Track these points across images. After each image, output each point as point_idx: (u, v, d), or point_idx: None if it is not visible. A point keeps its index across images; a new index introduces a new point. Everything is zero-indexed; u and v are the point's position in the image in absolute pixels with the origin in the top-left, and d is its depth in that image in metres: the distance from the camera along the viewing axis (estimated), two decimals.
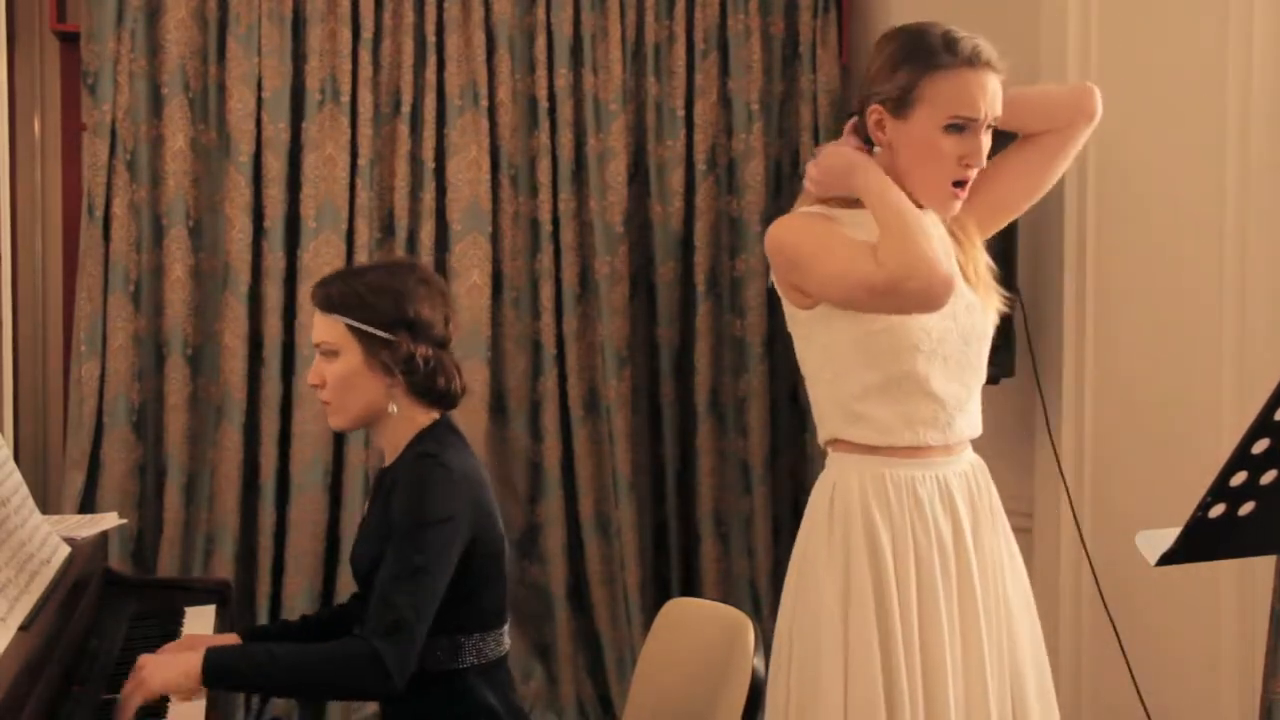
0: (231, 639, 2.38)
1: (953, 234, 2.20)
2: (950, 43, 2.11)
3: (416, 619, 2.12)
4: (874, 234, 2.08)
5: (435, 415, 2.36)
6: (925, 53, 2.11)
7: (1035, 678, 2.22)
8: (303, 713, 3.94)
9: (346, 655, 2.10)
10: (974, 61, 2.10)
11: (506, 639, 2.36)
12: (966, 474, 2.19)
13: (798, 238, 2.14)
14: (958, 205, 2.15)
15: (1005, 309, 2.25)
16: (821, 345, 2.16)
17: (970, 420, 2.20)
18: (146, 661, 2.13)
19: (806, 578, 2.16)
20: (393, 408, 2.31)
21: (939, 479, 2.15)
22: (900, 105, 2.12)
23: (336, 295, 2.31)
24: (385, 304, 2.29)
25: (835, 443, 2.18)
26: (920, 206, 2.13)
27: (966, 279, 2.19)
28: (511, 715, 2.32)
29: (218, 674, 2.10)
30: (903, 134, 2.12)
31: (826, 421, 2.20)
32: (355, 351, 2.29)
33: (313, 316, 2.36)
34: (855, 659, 2.08)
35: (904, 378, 2.11)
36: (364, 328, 2.28)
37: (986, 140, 2.13)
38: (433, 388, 2.32)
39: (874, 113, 2.15)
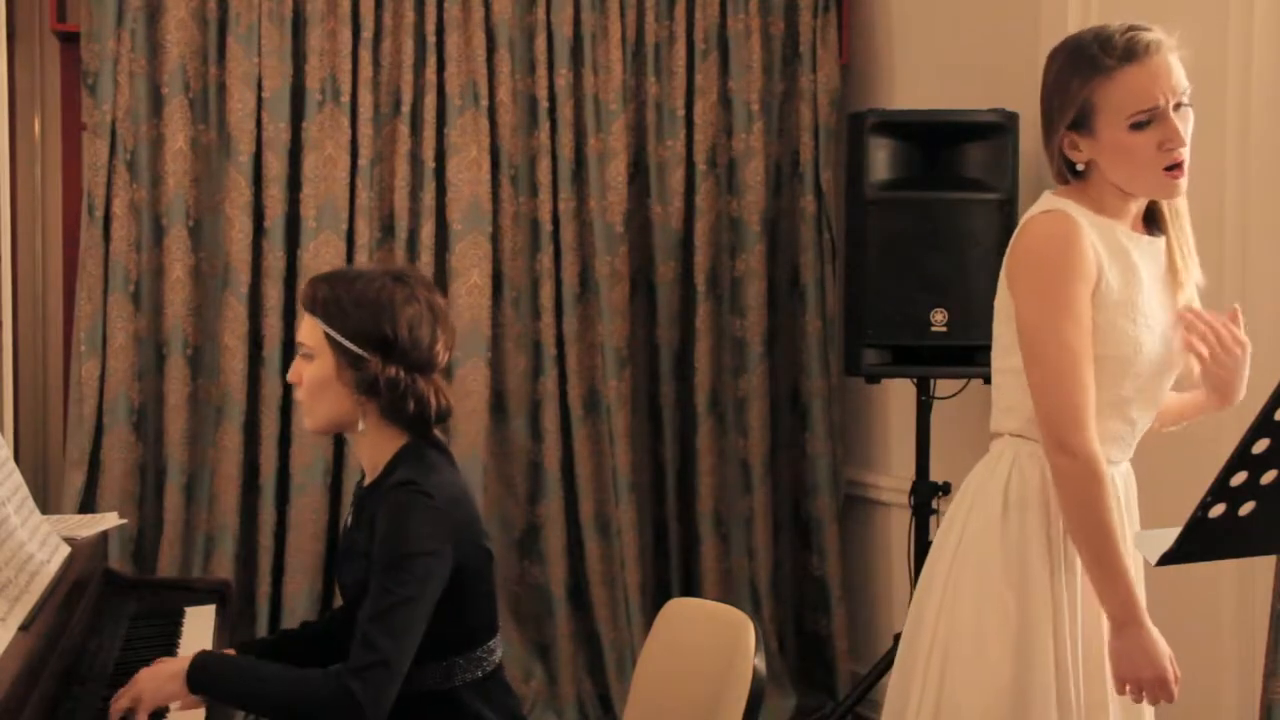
0: (232, 654, 2.36)
1: (1180, 269, 2.22)
2: (1105, 43, 2.12)
3: (396, 658, 2.08)
4: (1156, 266, 2.18)
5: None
6: (1086, 63, 2.12)
7: None
8: None
9: (323, 691, 2.07)
10: (1134, 55, 2.10)
11: (499, 649, 2.34)
12: (1125, 475, 2.26)
13: (1049, 280, 2.12)
14: (1180, 186, 2.14)
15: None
16: None
17: (1140, 439, 2.27)
18: (143, 672, 2.13)
19: (970, 558, 2.20)
20: (361, 425, 2.24)
21: (1109, 476, 2.19)
22: (1082, 122, 2.14)
23: (320, 298, 2.24)
24: (364, 318, 2.21)
25: (1021, 436, 2.21)
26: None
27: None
28: None
29: (200, 678, 2.11)
30: (1097, 146, 2.14)
31: (1019, 413, 2.21)
32: (329, 359, 2.22)
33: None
34: (1033, 640, 2.14)
35: (1115, 400, 2.16)
36: (338, 338, 2.21)
37: (1182, 118, 2.12)
38: (401, 414, 2.24)
39: (1064, 139, 2.17)
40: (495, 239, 4.20)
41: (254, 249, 4.05)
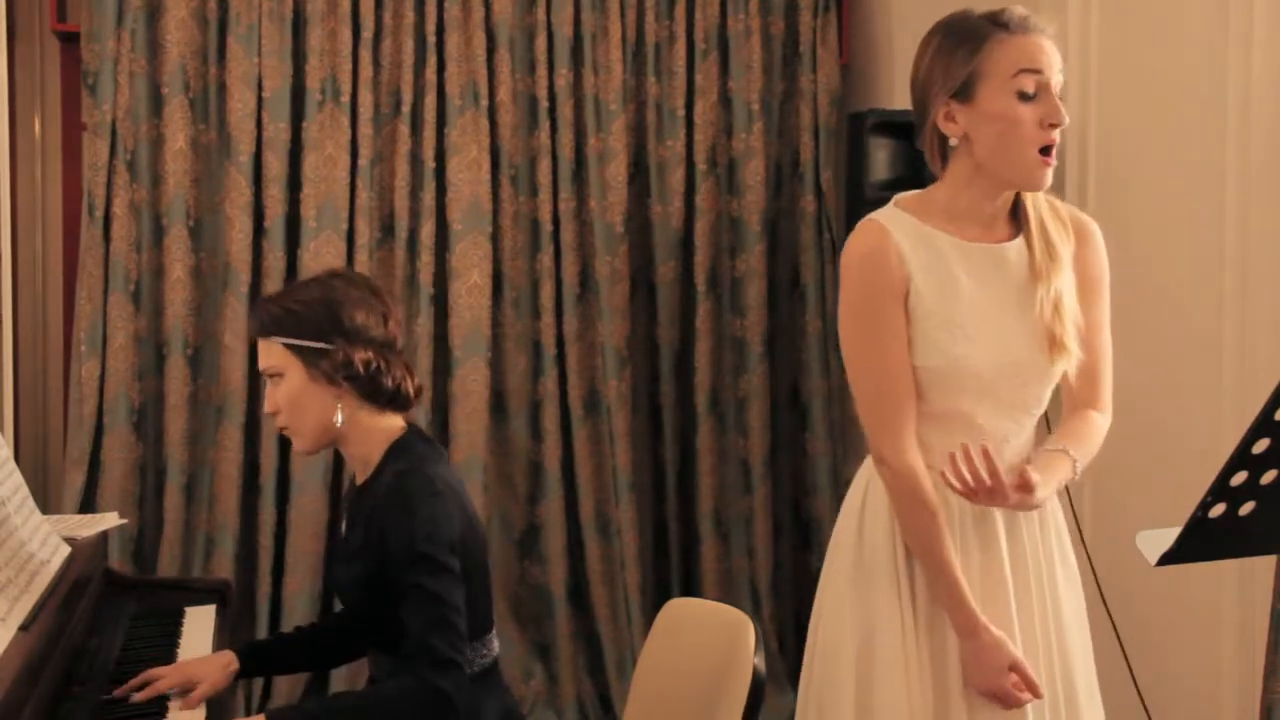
0: (228, 656, 2.35)
1: (1041, 268, 2.13)
2: (994, 17, 2.09)
3: (459, 647, 2.13)
4: (996, 272, 2.11)
5: (399, 422, 2.32)
6: (974, 32, 2.08)
7: (1085, 687, 2.22)
8: None
9: (414, 698, 2.09)
10: (1026, 28, 2.08)
11: (495, 643, 2.35)
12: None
13: (855, 295, 2.11)
14: (1049, 174, 2.09)
15: (1077, 359, 2.17)
16: None
17: (1018, 450, 2.19)
18: None
19: (837, 562, 2.21)
20: (338, 418, 2.25)
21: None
22: (965, 89, 2.07)
23: (268, 317, 2.27)
24: (316, 314, 2.25)
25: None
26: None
27: (1045, 319, 2.14)
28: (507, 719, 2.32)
29: None
30: (976, 115, 2.07)
31: None
32: (297, 369, 2.25)
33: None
34: (877, 646, 2.13)
35: (952, 413, 2.12)
36: (299, 342, 2.24)
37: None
38: (381, 390, 2.27)
39: (941, 107, 2.09)
40: (495, 239, 4.20)
41: (254, 249, 4.05)
